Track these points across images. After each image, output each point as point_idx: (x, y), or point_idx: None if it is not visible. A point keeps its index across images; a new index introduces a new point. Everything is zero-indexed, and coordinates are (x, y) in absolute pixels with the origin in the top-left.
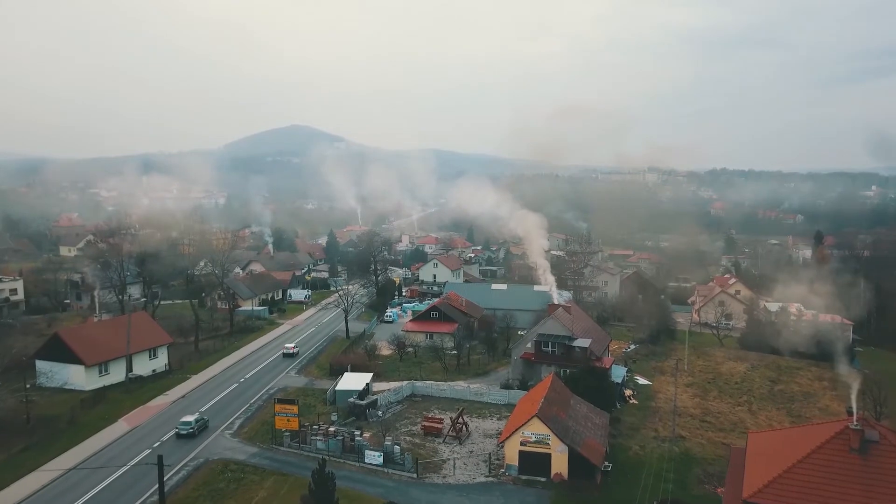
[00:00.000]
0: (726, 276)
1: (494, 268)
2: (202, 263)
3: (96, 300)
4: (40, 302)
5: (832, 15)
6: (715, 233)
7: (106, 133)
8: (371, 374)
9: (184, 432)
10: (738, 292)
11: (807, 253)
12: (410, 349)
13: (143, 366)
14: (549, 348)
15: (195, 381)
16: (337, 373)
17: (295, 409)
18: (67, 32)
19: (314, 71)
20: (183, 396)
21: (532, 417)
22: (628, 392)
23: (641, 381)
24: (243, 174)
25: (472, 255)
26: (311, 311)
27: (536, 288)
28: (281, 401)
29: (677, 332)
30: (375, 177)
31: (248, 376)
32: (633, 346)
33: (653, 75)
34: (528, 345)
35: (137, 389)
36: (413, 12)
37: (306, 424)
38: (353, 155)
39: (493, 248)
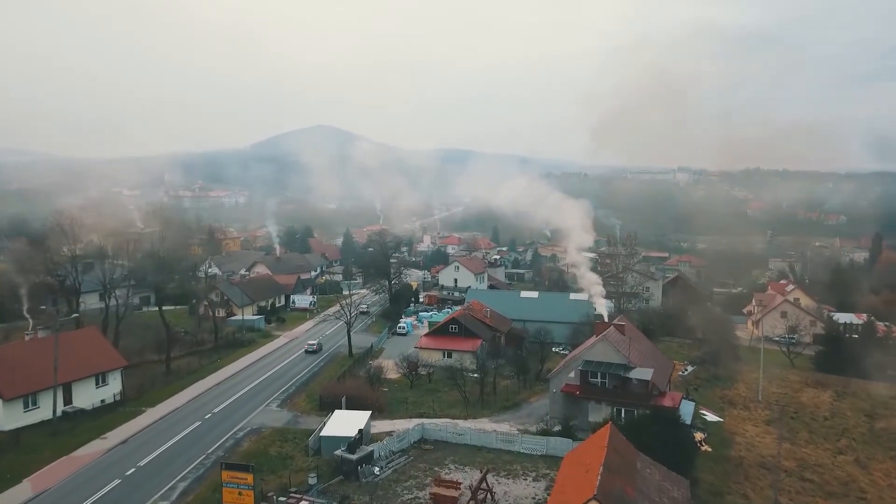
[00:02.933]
0: (782, 281)
1: (522, 270)
2: (206, 265)
3: (24, 308)
4: (14, 307)
5: (865, 12)
6: (756, 234)
7: (134, 133)
8: (368, 414)
9: (311, 350)
10: (796, 300)
11: (857, 255)
12: (424, 372)
13: (88, 396)
14: (599, 379)
15: (150, 415)
16: (328, 406)
17: (249, 478)
18: (89, 31)
19: (341, 71)
20: (125, 441)
21: (589, 501)
22: (699, 436)
23: (709, 416)
24: (266, 173)
25: (498, 256)
26: (315, 321)
27: (573, 296)
28: (230, 466)
29: (740, 349)
30: (398, 176)
31: (217, 410)
32: (689, 368)
33: (680, 73)
34: (571, 374)
35: (69, 430)
36: (439, 14)
37: (270, 494)
38: (377, 154)
39: (520, 249)
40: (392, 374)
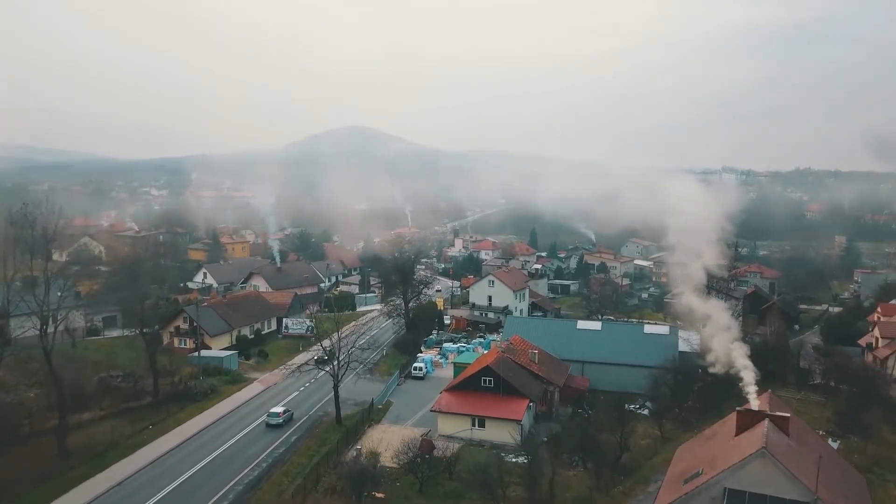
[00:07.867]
0: (894, 302)
1: (567, 282)
2: (201, 276)
3: None
4: None
5: None
6: (821, 238)
7: (170, 134)
8: None
9: (273, 423)
10: None
11: None
12: (442, 458)
13: None
14: None
15: None
16: None
17: None
18: (119, 31)
19: (377, 72)
20: None
21: None
22: None
23: None
24: (298, 174)
25: (539, 266)
26: (281, 369)
27: (649, 328)
28: None
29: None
30: (432, 177)
31: None
32: (833, 444)
33: (716, 73)
34: None
35: None
36: (472, 17)
37: None
38: (411, 155)
39: (561, 255)
40: (390, 460)
